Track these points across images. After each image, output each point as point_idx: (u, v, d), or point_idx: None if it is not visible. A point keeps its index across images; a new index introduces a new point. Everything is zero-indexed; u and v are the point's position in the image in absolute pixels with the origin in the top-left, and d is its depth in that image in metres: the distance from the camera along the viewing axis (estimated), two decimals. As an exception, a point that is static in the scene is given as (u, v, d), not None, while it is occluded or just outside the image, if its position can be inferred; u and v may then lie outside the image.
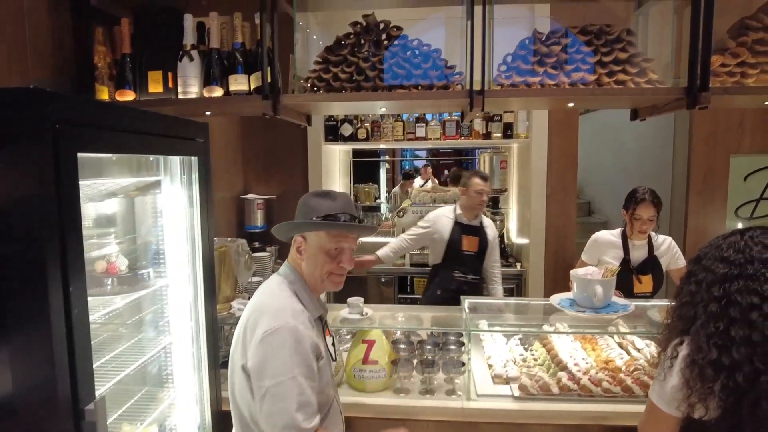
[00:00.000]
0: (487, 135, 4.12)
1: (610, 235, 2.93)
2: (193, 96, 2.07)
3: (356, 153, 5.53)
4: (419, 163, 8.61)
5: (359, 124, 4.25)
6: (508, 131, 4.07)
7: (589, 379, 2.03)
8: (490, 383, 2.15)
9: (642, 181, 3.19)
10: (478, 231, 3.31)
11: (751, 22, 1.91)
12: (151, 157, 1.86)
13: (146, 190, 1.98)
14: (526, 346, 2.43)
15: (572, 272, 2.28)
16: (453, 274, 3.26)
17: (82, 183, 1.27)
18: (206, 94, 2.07)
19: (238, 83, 2.06)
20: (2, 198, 1.17)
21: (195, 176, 1.92)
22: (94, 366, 1.33)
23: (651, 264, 2.84)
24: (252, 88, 2.07)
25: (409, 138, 4.24)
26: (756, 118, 3.54)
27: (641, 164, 5.10)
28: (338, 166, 4.87)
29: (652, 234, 2.86)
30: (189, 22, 2.05)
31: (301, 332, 1.38)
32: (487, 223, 3.41)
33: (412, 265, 4.30)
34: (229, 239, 2.65)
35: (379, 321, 2.41)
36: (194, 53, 2.05)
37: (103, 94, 2.08)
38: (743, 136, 3.58)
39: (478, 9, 1.90)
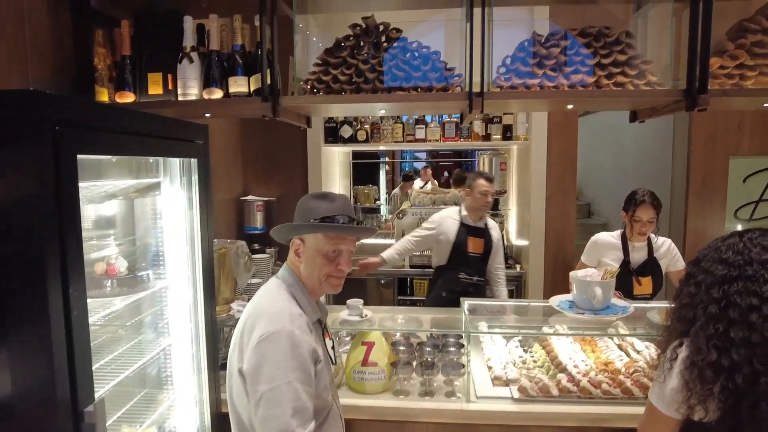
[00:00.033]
0: (487, 137, 4.13)
1: (610, 237, 2.93)
2: (193, 98, 2.07)
3: (356, 155, 5.54)
4: (419, 165, 8.61)
5: (359, 126, 4.26)
6: (507, 133, 4.07)
7: (588, 381, 2.03)
8: (490, 385, 2.15)
9: (641, 183, 3.20)
10: (483, 233, 3.32)
11: (749, 24, 1.92)
12: (151, 159, 1.87)
13: (146, 192, 1.98)
14: (525, 348, 2.43)
15: (572, 274, 2.28)
16: (458, 275, 3.26)
17: (81, 184, 1.27)
18: (206, 96, 2.07)
19: (238, 85, 2.06)
20: (2, 199, 1.17)
21: (195, 178, 1.92)
22: (93, 368, 1.33)
23: (651, 266, 2.84)
24: (252, 90, 2.07)
25: (409, 140, 4.25)
26: (755, 119, 3.55)
27: (641, 166, 5.11)
28: (338, 168, 4.87)
29: (652, 236, 2.86)
30: (189, 24, 2.05)
31: (297, 336, 1.37)
32: (492, 224, 3.41)
33: (411, 266, 4.30)
34: (228, 241, 2.65)
35: (378, 323, 2.41)
36: (194, 55, 2.05)
37: (103, 95, 2.09)
38: (742, 138, 3.59)
39: (477, 11, 1.90)
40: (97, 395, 1.33)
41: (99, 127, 1.37)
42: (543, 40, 1.99)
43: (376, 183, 7.83)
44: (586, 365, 2.18)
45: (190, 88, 2.06)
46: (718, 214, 3.66)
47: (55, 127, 1.17)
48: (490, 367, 2.25)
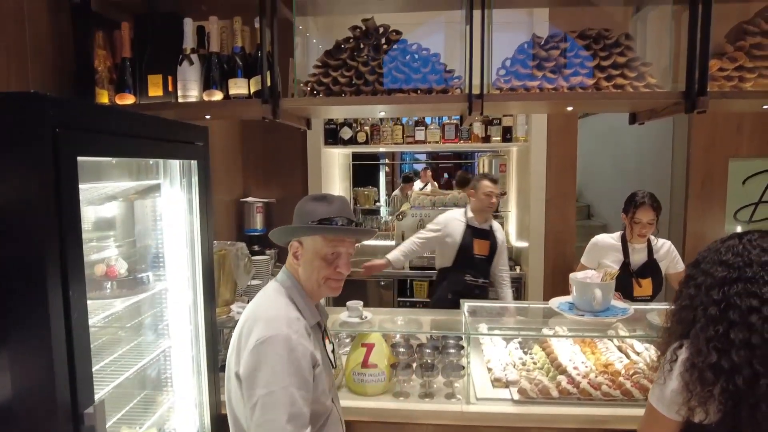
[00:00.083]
0: (487, 138, 4.14)
1: (610, 239, 2.94)
2: (193, 100, 2.07)
3: (356, 156, 5.54)
4: (419, 167, 8.61)
5: (359, 128, 4.26)
6: (507, 135, 4.08)
7: (588, 383, 2.03)
8: (490, 387, 2.14)
9: (641, 185, 3.21)
10: (489, 234, 3.32)
11: (748, 26, 1.92)
12: (151, 161, 1.87)
13: (146, 194, 1.98)
14: (525, 350, 2.43)
15: (571, 276, 2.28)
16: (464, 277, 3.25)
17: (81, 186, 1.27)
18: (206, 98, 2.07)
19: (238, 87, 2.06)
20: (2, 201, 1.17)
21: (194, 180, 1.92)
22: (93, 369, 1.33)
23: (651, 267, 2.85)
24: (252, 91, 2.08)
25: (409, 141, 4.25)
26: (754, 121, 3.56)
27: (640, 168, 5.12)
28: (338, 170, 4.88)
29: (652, 237, 2.86)
30: (189, 26, 2.05)
31: (294, 341, 1.35)
32: (496, 226, 3.41)
33: (411, 268, 4.29)
34: (228, 242, 2.65)
35: (378, 324, 2.41)
36: (194, 57, 2.06)
37: (103, 97, 2.09)
38: (741, 140, 3.59)
39: (477, 13, 1.90)
40: (96, 397, 1.32)
41: (99, 129, 1.37)
42: (542, 43, 2.00)
43: (376, 184, 7.83)
44: (586, 367, 2.18)
45: (190, 90, 2.06)
46: (717, 215, 3.66)
47: (55, 129, 1.17)
48: (490, 369, 2.25)
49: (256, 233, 3.82)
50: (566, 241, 3.96)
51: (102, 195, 1.84)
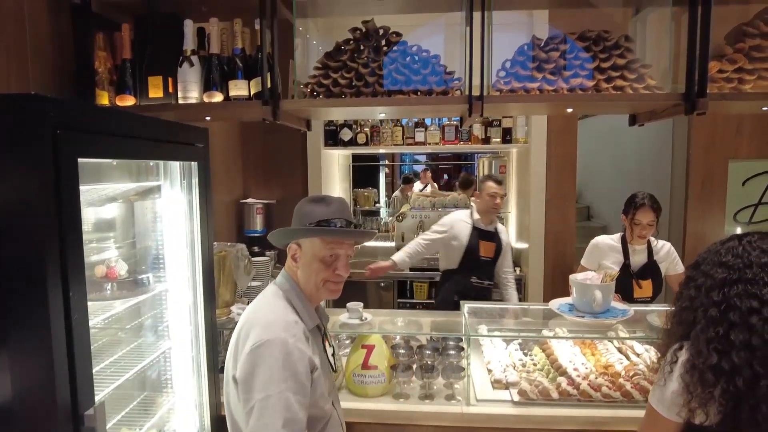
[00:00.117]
0: (486, 140, 4.14)
1: (610, 240, 2.94)
2: (193, 101, 2.07)
3: (356, 157, 5.55)
4: (419, 168, 8.62)
5: (359, 129, 4.26)
6: (507, 136, 4.08)
7: (588, 384, 2.03)
8: (490, 388, 2.14)
9: (641, 186, 3.21)
10: (494, 236, 3.31)
11: (748, 28, 1.92)
12: (151, 162, 1.87)
13: (146, 195, 1.98)
14: (525, 351, 2.43)
15: (571, 277, 2.28)
16: (470, 279, 3.25)
17: (82, 188, 1.27)
18: (206, 100, 2.07)
19: (238, 88, 2.06)
20: (3, 202, 1.17)
21: (195, 181, 1.92)
22: (93, 371, 1.33)
23: (651, 269, 2.85)
24: (252, 93, 2.08)
25: (409, 142, 4.26)
26: (754, 123, 3.56)
27: (640, 169, 5.12)
28: (338, 171, 4.88)
29: (652, 239, 2.86)
30: (189, 27, 2.06)
31: (291, 345, 1.34)
32: (501, 228, 3.41)
33: (411, 269, 4.28)
34: (228, 244, 2.65)
35: (378, 326, 2.41)
36: (194, 59, 2.06)
37: (104, 99, 2.09)
38: (741, 142, 3.60)
39: (477, 15, 1.91)
40: (97, 398, 1.32)
41: (99, 131, 1.38)
42: (542, 44, 2.00)
43: (376, 186, 7.84)
44: (586, 368, 2.18)
45: (191, 92, 2.06)
46: (717, 217, 3.67)
47: (56, 130, 1.17)
48: (490, 370, 2.25)
49: (256, 234, 3.81)
50: (566, 242, 3.96)
51: (102, 196, 1.84)
